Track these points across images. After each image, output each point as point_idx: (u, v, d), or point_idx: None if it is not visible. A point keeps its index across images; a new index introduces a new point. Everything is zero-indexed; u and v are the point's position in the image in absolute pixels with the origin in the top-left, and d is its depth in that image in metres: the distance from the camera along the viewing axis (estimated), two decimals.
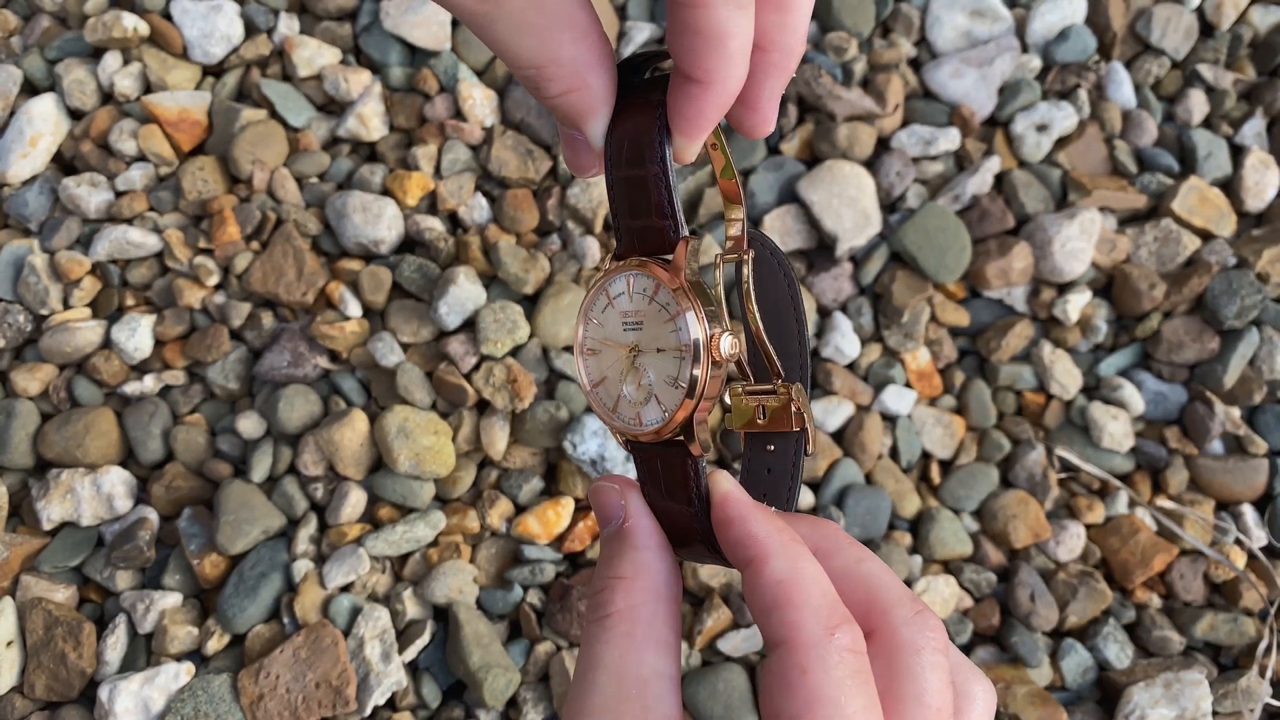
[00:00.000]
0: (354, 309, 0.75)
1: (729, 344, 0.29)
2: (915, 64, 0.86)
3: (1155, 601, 0.75)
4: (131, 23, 0.80)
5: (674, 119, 0.29)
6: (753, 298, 0.33)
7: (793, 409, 0.34)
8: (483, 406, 0.74)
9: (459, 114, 0.81)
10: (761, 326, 0.33)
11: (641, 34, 0.82)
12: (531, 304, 0.76)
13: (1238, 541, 0.75)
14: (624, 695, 0.28)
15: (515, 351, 0.74)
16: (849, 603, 0.29)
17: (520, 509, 0.73)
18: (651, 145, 0.29)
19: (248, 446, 0.73)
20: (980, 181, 0.80)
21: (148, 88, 0.81)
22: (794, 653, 0.27)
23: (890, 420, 0.77)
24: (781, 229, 0.78)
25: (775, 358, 0.34)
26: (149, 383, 0.74)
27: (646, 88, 0.30)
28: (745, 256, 0.33)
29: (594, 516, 0.34)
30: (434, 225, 0.77)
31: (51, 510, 0.71)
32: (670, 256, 0.30)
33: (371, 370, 0.74)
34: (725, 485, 0.31)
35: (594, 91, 0.29)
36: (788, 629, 0.27)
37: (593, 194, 0.78)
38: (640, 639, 0.29)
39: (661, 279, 0.30)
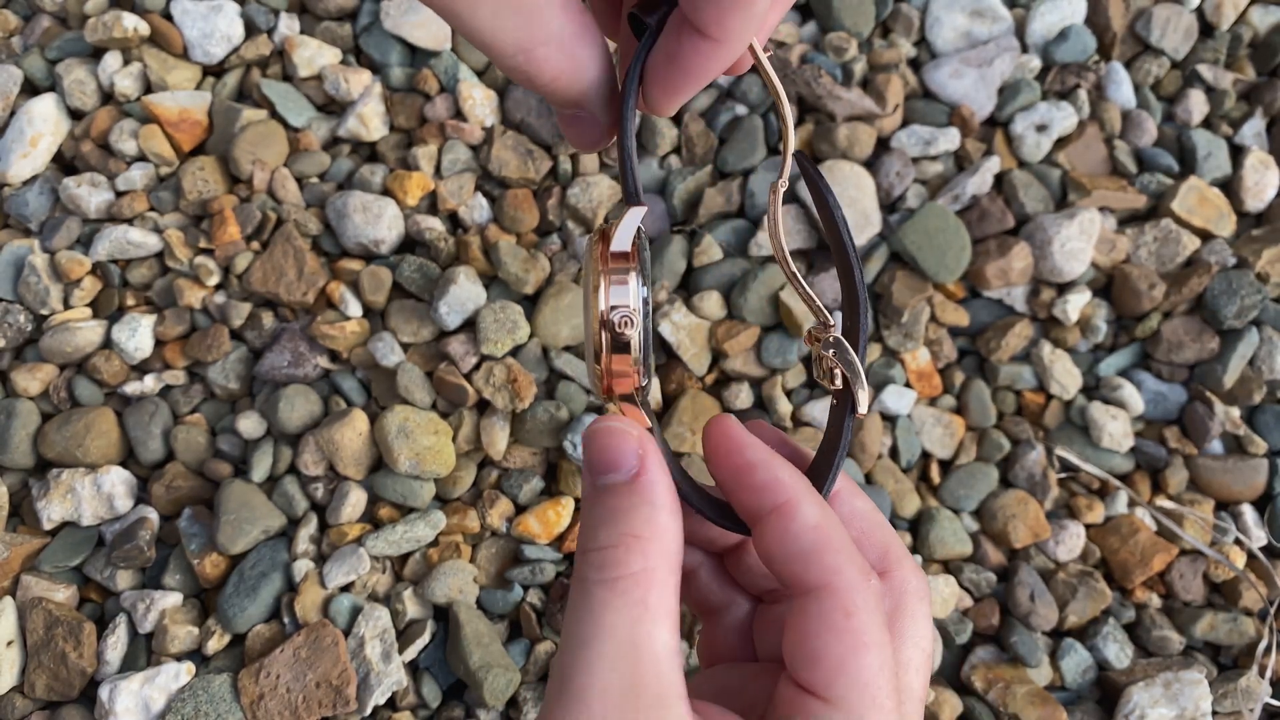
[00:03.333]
0: (354, 309, 0.75)
1: (621, 320, 0.28)
2: (915, 64, 0.86)
3: (1155, 601, 0.75)
4: (132, 23, 0.80)
5: (670, 71, 0.27)
6: (780, 235, 0.31)
7: (825, 365, 0.31)
8: (483, 406, 0.74)
9: (459, 114, 0.81)
10: (794, 268, 0.31)
11: None
12: (531, 304, 0.76)
13: (1237, 541, 0.75)
14: (639, 673, 0.25)
15: (515, 351, 0.74)
16: (869, 544, 0.31)
17: (520, 509, 0.73)
18: (625, 102, 0.28)
19: (248, 446, 0.73)
20: (980, 181, 0.80)
21: (148, 88, 0.81)
22: (838, 596, 0.26)
23: (890, 420, 0.77)
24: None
25: (815, 302, 0.31)
26: (149, 383, 0.74)
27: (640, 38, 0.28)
28: (774, 190, 0.31)
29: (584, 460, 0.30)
30: (434, 225, 0.77)
31: (52, 510, 0.71)
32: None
33: (372, 370, 0.75)
34: (733, 430, 0.29)
35: (586, 64, 0.27)
36: (829, 573, 0.27)
37: (593, 194, 0.78)
38: (654, 609, 0.26)
39: (594, 248, 0.29)
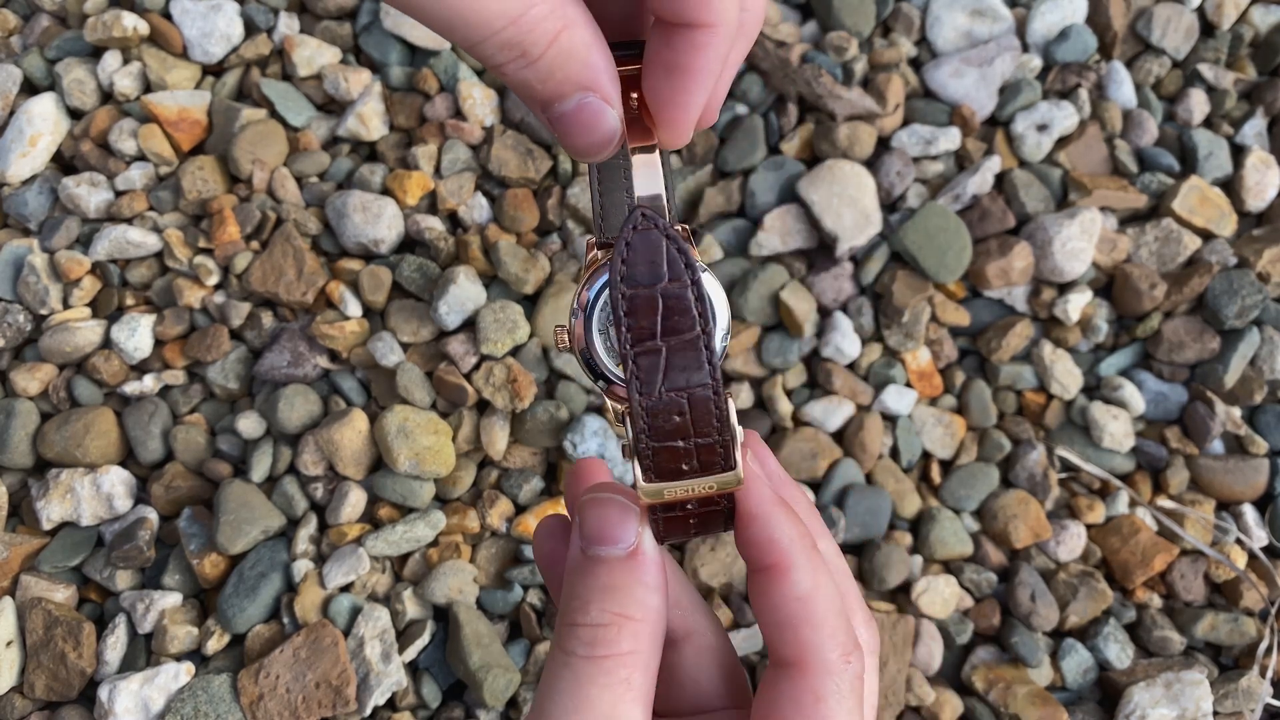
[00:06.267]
0: (354, 309, 0.75)
1: (558, 343, 0.29)
2: (915, 64, 0.86)
3: (1156, 601, 0.75)
4: (131, 22, 0.80)
5: (674, 80, 0.25)
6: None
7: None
8: (483, 406, 0.74)
9: (459, 113, 0.81)
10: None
11: None
12: (531, 304, 0.76)
13: (1238, 541, 0.75)
14: None
15: (515, 351, 0.74)
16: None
17: (520, 509, 0.73)
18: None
19: (248, 446, 0.73)
20: (980, 181, 0.80)
21: (147, 87, 0.81)
22: (809, 677, 0.26)
23: (890, 420, 0.77)
24: (782, 229, 0.78)
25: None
26: (149, 382, 0.74)
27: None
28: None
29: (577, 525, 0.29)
30: (434, 225, 0.77)
31: (51, 510, 0.70)
32: None
33: (371, 370, 0.74)
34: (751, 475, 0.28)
35: (582, 24, 0.24)
36: (805, 651, 0.26)
37: None
38: (637, 690, 0.27)
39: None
